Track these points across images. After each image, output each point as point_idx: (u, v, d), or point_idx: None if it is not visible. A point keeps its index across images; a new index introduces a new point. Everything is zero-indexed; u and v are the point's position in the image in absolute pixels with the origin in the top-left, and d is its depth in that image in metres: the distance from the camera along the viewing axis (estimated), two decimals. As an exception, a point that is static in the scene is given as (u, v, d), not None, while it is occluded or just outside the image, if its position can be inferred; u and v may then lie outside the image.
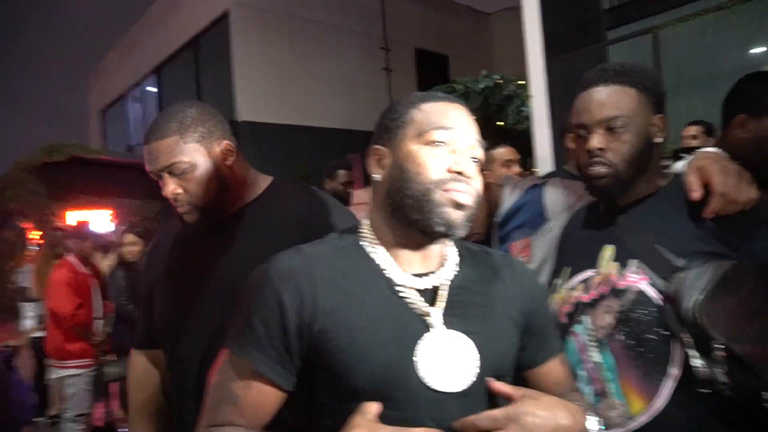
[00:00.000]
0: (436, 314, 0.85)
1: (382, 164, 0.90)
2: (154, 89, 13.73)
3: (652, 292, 1.04)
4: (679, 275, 1.00)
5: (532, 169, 5.91)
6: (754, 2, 4.98)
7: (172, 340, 1.27)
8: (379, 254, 0.88)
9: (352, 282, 0.85)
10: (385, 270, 0.87)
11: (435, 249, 0.91)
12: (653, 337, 1.03)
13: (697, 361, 0.96)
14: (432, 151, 0.85)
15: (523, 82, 7.43)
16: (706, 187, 1.05)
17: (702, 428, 0.99)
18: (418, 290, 0.86)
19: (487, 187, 1.75)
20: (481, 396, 0.84)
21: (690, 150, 1.41)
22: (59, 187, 8.11)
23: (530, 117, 6.51)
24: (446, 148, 0.85)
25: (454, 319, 0.85)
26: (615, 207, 1.18)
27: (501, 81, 8.15)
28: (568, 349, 1.17)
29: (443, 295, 0.87)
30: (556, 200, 1.65)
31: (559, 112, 6.11)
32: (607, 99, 1.12)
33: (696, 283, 0.97)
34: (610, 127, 1.11)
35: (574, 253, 1.24)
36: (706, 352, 0.95)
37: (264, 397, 0.82)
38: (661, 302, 1.03)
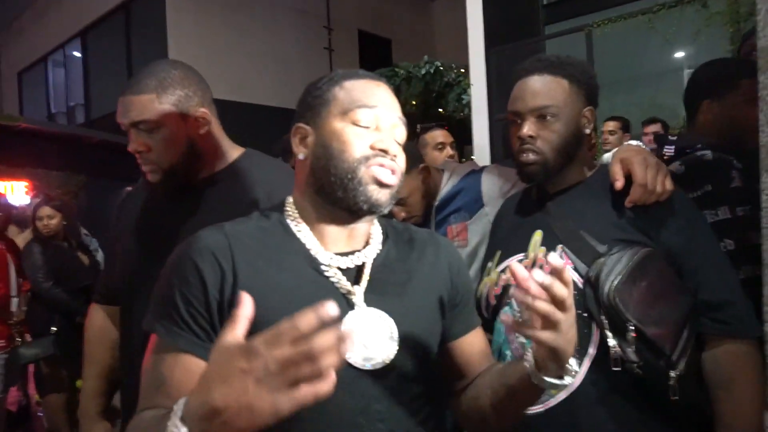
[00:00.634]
0: (359, 293, 0.85)
1: (306, 143, 0.88)
2: (78, 54, 12.82)
3: (575, 276, 1.10)
4: (599, 261, 1.06)
5: (471, 157, 6.05)
6: (677, 9, 5.29)
7: (128, 299, 1.26)
8: (303, 233, 0.88)
9: (273, 261, 0.84)
10: (309, 249, 0.87)
11: (360, 227, 0.90)
12: (575, 318, 1.09)
13: (611, 341, 1.02)
14: (355, 129, 0.85)
15: (464, 71, 7.57)
16: (629, 178, 1.12)
17: (612, 404, 1.06)
18: (342, 269, 0.86)
19: (427, 171, 1.78)
20: (402, 373, 0.85)
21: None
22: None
23: (470, 105, 6.63)
24: (369, 125, 0.86)
25: (375, 296, 0.86)
26: (545, 194, 1.23)
27: (442, 68, 8.25)
28: (497, 329, 1.22)
29: (367, 274, 0.87)
30: (492, 186, 1.71)
31: (495, 103, 6.28)
32: (540, 88, 1.16)
33: (614, 269, 1.03)
34: (541, 116, 1.16)
35: (505, 238, 1.29)
36: (620, 333, 1.02)
37: (190, 373, 0.80)
38: (581, 286, 1.09)
